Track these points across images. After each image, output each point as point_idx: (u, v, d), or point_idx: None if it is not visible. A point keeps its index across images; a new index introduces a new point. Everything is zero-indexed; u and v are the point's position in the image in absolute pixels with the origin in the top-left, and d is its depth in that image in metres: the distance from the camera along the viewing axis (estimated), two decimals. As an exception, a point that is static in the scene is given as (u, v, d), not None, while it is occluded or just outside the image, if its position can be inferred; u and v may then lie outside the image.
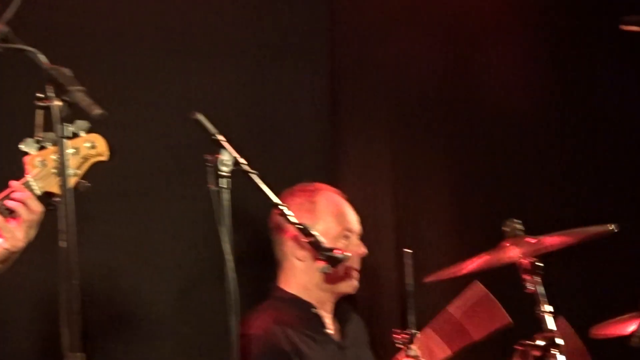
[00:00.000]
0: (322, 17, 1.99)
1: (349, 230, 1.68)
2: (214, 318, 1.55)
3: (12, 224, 1.23)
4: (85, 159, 1.40)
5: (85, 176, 1.31)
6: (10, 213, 1.23)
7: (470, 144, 2.09)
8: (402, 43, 2.06)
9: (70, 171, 1.27)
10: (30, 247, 1.25)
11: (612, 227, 1.60)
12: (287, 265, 1.69)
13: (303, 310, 1.66)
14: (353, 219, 1.71)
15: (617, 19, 1.62)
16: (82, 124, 1.31)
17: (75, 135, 1.31)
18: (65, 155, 1.17)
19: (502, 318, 1.73)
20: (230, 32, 1.88)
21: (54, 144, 1.23)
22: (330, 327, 1.70)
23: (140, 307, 1.71)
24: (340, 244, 1.61)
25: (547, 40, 2.26)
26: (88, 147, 1.39)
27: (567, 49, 2.26)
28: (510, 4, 2.23)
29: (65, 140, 1.17)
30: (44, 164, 1.32)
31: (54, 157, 1.28)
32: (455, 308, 1.76)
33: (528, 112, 2.18)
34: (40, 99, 1.14)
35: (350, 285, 1.68)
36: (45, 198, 1.28)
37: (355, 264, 1.67)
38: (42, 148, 1.29)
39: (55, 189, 1.26)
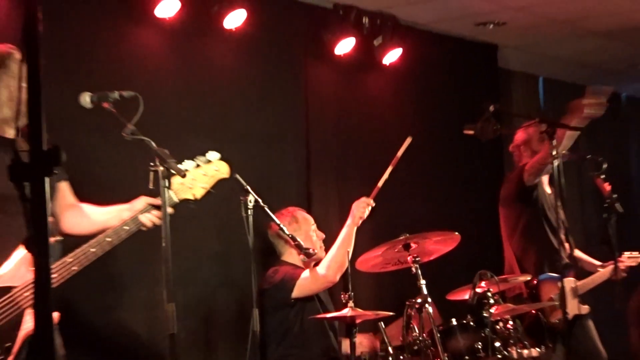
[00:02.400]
0: (300, 113, 3.40)
1: (314, 227, 2.92)
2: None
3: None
4: (213, 177, 2.16)
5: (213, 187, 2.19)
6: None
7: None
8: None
9: (200, 184, 2.10)
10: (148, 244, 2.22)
11: (456, 234, 2.81)
12: (284, 256, 2.92)
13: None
14: (312, 221, 2.95)
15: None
16: (214, 154, 2.13)
17: (208, 162, 2.12)
18: (165, 201, 1.94)
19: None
20: (238, 122, 3.17)
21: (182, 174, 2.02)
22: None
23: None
24: (314, 235, 2.85)
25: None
26: (214, 169, 2.14)
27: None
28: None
29: (166, 189, 1.95)
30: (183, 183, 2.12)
31: (185, 179, 2.06)
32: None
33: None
34: (151, 166, 1.94)
35: (317, 260, 2.84)
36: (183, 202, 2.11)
37: (320, 243, 2.90)
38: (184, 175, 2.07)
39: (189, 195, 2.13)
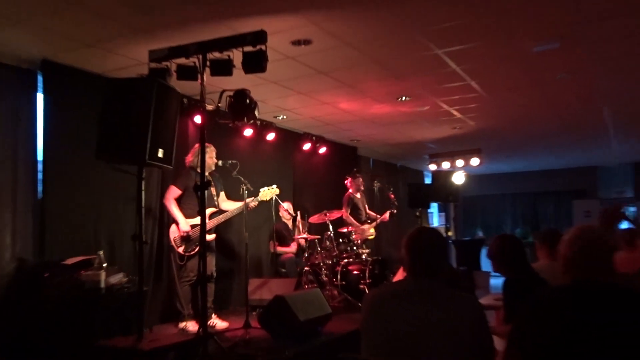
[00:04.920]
0: (289, 168, 8.64)
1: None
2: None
3: None
4: (272, 194, 5.58)
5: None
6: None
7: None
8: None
9: (268, 196, 5.67)
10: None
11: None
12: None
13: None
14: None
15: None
16: (274, 188, 5.70)
17: (270, 187, 5.65)
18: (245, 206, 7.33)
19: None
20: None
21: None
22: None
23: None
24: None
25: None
26: (271, 190, 5.57)
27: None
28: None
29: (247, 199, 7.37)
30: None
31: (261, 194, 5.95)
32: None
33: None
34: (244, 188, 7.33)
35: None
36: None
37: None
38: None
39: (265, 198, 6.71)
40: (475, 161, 10.05)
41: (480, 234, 14.41)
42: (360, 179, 8.07)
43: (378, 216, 8.10)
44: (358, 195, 8.01)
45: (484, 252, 10.67)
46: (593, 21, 4.55)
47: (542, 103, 7.23)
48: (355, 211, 7.92)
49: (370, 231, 8.01)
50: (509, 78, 6.09)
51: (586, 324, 2.00)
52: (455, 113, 7.70)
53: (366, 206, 8.10)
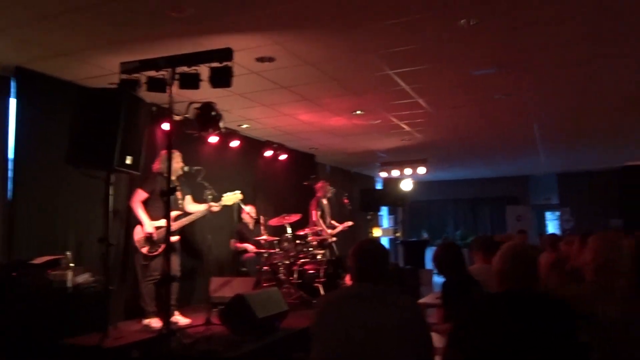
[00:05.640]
0: (252, 174, 8.62)
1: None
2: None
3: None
4: (235, 199, 5.58)
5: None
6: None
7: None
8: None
9: (230, 201, 6.75)
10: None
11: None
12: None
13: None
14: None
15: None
16: (237, 193, 5.96)
17: (233, 192, 5.85)
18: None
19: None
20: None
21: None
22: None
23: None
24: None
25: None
26: (235, 195, 5.58)
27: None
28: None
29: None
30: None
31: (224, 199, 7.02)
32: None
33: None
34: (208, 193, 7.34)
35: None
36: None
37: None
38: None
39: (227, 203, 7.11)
40: (421, 170, 10.25)
41: (425, 235, 14.68)
42: (328, 186, 8.06)
43: (339, 225, 8.14)
44: (324, 201, 7.95)
45: (428, 252, 10.87)
46: (525, 51, 4.73)
47: (480, 120, 7.45)
48: (322, 215, 7.87)
49: (333, 237, 8.05)
50: (452, 97, 6.25)
51: (519, 330, 2.08)
52: (405, 126, 7.83)
53: (329, 212, 8.11)
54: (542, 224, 14.70)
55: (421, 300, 4.88)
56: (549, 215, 14.89)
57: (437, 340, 2.60)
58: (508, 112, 6.99)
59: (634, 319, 1.92)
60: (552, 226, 14.82)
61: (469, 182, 14.72)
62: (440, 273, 3.70)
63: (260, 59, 4.79)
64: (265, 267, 6.68)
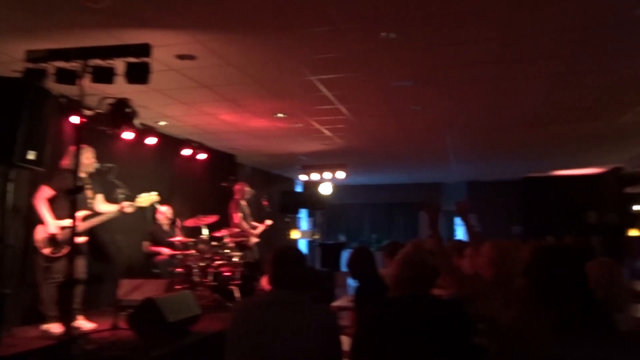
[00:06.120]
0: (169, 172, 8.34)
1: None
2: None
3: None
4: (150, 200, 5.31)
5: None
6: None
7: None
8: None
9: (146, 201, 5.82)
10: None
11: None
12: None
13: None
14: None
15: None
16: (153, 195, 5.42)
17: (149, 192, 6.55)
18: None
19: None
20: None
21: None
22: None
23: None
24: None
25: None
26: (150, 196, 5.38)
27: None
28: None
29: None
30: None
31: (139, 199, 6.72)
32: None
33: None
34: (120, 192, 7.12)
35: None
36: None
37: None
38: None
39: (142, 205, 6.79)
40: (340, 174, 10.45)
41: (342, 238, 14.98)
42: (247, 187, 7.98)
43: (260, 224, 8.09)
44: (243, 203, 7.88)
45: (345, 255, 11.10)
46: (440, 68, 4.99)
47: (397, 128, 7.73)
48: (244, 217, 7.83)
49: (257, 238, 7.99)
50: (372, 106, 6.44)
51: (412, 333, 2.20)
52: (326, 131, 7.95)
53: (250, 213, 8.03)
54: (452, 230, 15.51)
55: (335, 304, 4.98)
56: (458, 221, 15.75)
57: (347, 343, 2.68)
58: (423, 123, 7.32)
59: (527, 324, 2.08)
60: (460, 232, 15.68)
61: (386, 187, 15.22)
62: (353, 277, 3.80)
63: (181, 57, 4.67)
64: (178, 270, 6.51)
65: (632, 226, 11.38)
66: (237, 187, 8.00)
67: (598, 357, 1.86)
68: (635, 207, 11.60)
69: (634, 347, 1.88)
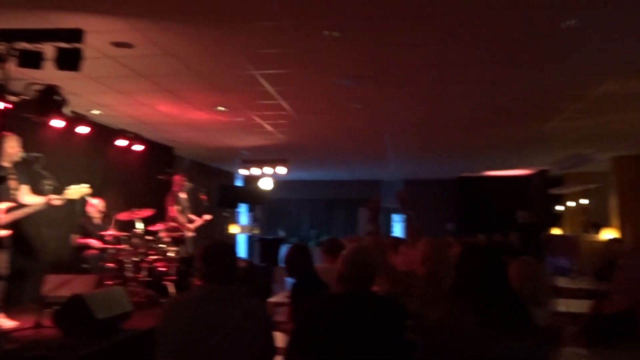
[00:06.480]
0: (102, 164, 8.03)
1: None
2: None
3: None
4: (80, 193, 5.01)
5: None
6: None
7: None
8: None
9: (76, 193, 5.03)
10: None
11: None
12: None
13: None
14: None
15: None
16: (84, 187, 5.04)
17: (80, 185, 5.86)
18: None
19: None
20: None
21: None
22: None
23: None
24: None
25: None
26: (81, 188, 5.13)
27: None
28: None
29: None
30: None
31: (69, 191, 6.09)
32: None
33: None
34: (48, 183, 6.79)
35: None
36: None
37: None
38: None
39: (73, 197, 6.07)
40: (281, 170, 10.44)
41: (281, 233, 14.98)
42: (185, 180, 7.74)
43: (198, 218, 7.92)
44: (182, 195, 7.67)
45: (283, 250, 11.11)
46: (381, 68, 5.09)
47: (339, 126, 7.82)
48: (181, 210, 7.66)
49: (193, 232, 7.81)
50: (314, 102, 6.47)
51: (351, 329, 2.24)
52: (267, 126, 7.92)
53: (189, 206, 7.83)
54: (389, 226, 15.87)
55: (272, 299, 4.98)
56: (395, 217, 16.14)
57: (282, 339, 2.69)
58: (363, 121, 7.44)
59: (454, 320, 2.16)
60: (398, 228, 16.08)
61: (326, 183, 15.35)
62: (290, 275, 3.82)
63: (117, 44, 4.50)
64: (110, 265, 6.28)
65: (555, 225, 12.13)
66: (175, 178, 7.79)
67: (517, 351, 1.97)
68: (558, 207, 12.36)
69: (549, 340, 2.01)
